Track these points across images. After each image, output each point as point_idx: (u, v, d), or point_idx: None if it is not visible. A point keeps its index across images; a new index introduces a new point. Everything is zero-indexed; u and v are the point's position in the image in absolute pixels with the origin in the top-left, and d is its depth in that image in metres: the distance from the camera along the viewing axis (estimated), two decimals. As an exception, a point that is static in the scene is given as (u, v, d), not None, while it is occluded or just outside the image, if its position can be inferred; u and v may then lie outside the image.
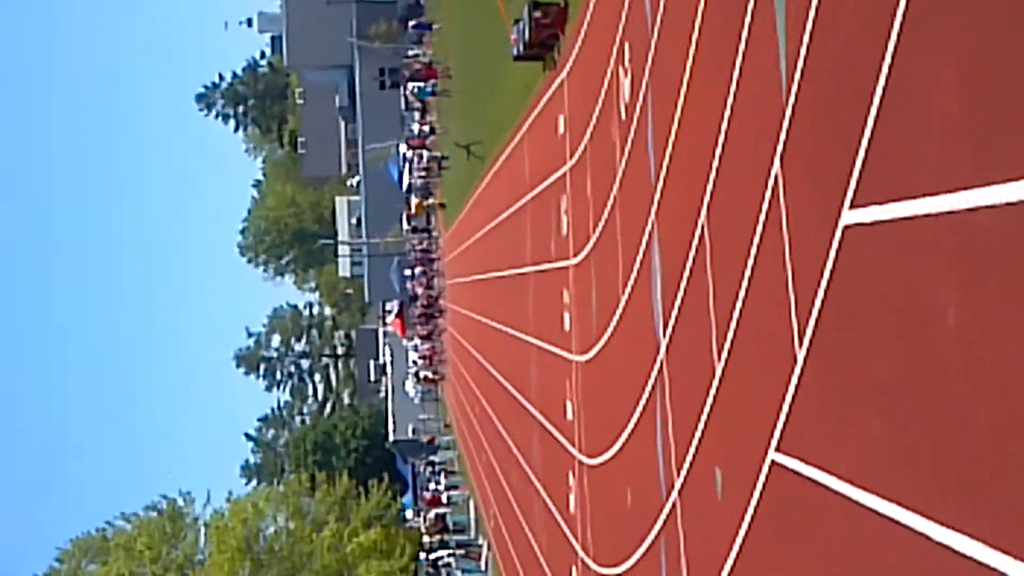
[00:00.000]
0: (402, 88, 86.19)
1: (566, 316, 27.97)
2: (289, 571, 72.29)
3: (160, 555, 76.48)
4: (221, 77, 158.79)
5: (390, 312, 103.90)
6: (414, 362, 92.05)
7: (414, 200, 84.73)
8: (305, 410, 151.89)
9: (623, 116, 21.27)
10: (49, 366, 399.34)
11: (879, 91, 9.10)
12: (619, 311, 21.44)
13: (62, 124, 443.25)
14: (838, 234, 10.01)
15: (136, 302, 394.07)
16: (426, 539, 68.69)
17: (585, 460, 25.17)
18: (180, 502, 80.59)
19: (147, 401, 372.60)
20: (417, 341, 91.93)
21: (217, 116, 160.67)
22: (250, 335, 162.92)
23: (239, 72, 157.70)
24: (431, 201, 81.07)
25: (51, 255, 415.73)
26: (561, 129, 29.09)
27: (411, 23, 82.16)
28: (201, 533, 78.92)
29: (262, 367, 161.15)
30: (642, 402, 19.17)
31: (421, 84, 77.45)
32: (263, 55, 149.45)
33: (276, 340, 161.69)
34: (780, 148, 11.77)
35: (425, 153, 78.97)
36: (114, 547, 79.23)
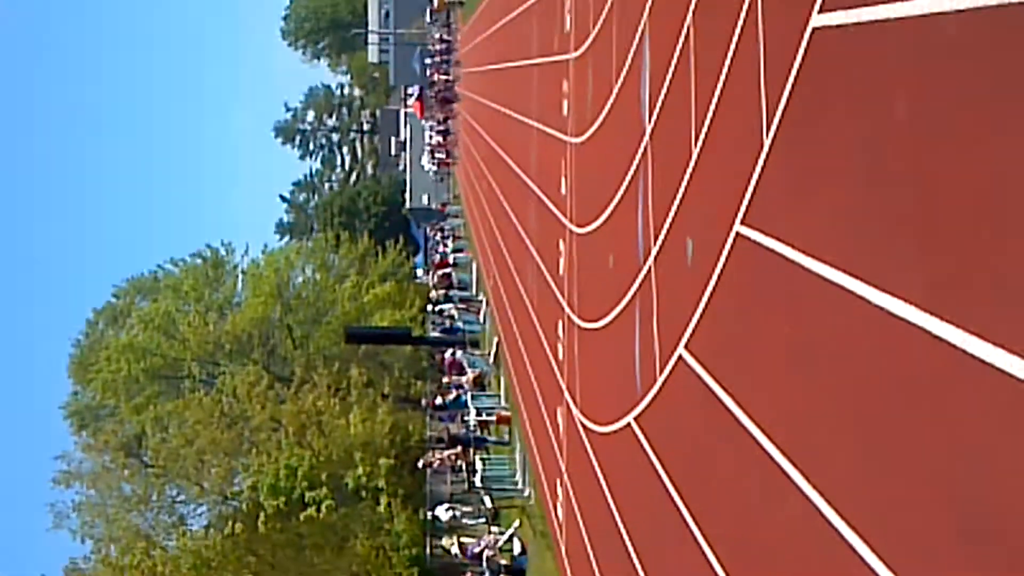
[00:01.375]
0: None
1: (564, 103, 27.81)
2: (314, 315, 72.80)
3: (203, 296, 76.97)
4: None
5: (411, 95, 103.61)
6: (430, 140, 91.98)
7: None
8: (333, 178, 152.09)
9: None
10: (122, 123, 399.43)
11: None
12: (611, 99, 21.33)
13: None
14: (807, 35, 9.91)
15: (192, 78, 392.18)
16: (433, 294, 69.03)
17: (575, 229, 25.19)
18: (222, 251, 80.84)
19: (199, 163, 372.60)
20: (434, 122, 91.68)
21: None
22: (288, 110, 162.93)
23: None
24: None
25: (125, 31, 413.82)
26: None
27: None
28: (239, 279, 79.27)
29: (297, 138, 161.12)
30: (627, 179, 19.13)
31: None
32: None
33: (311, 115, 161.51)
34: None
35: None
36: (163, 287, 79.76)
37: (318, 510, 47.39)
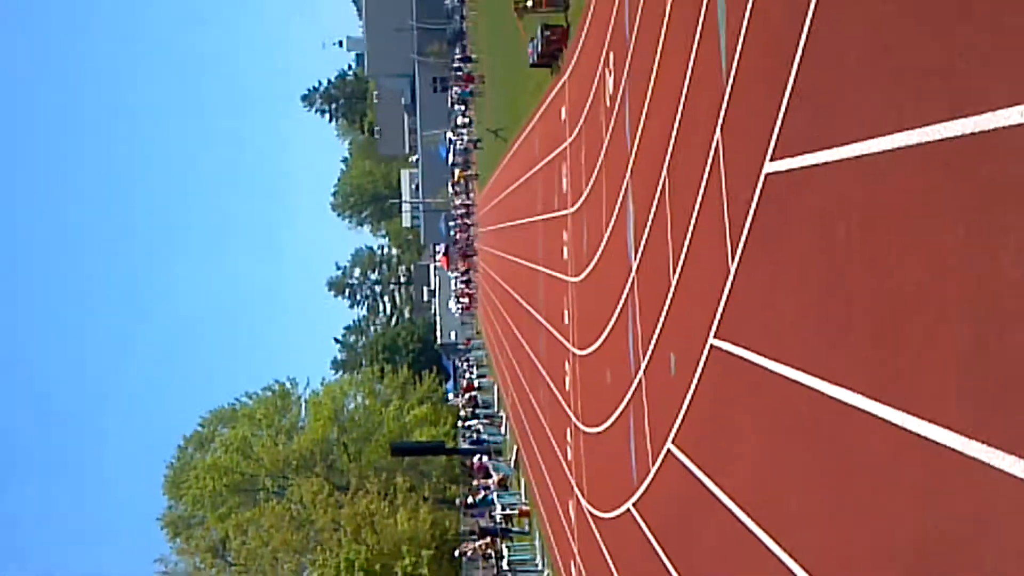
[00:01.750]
0: (449, 91, 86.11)
1: (564, 250, 27.99)
2: (365, 434, 72.68)
3: (273, 422, 76.91)
4: (319, 83, 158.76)
5: (438, 251, 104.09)
6: (455, 287, 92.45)
7: (456, 171, 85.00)
8: (377, 322, 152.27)
9: (607, 104, 21.23)
10: (214, 283, 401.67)
11: (789, 86, 9.10)
12: (603, 244, 21.47)
13: (203, 119, 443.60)
14: (761, 180, 10.02)
15: (262, 245, 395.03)
16: (462, 412, 69.31)
17: (577, 352, 25.25)
18: (288, 385, 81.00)
19: (269, 311, 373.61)
20: (457, 272, 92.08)
21: (316, 111, 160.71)
22: (338, 268, 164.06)
23: (332, 79, 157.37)
24: (469, 172, 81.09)
25: (200, 211, 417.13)
26: (563, 116, 29.06)
27: (456, 58, 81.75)
28: (303, 407, 79.22)
29: (347, 291, 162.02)
30: (618, 308, 19.23)
31: (461, 88, 77.45)
32: (350, 67, 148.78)
33: (357, 271, 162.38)
34: (720, 121, 11.76)
35: (464, 137, 79.00)
36: (240, 416, 79.61)
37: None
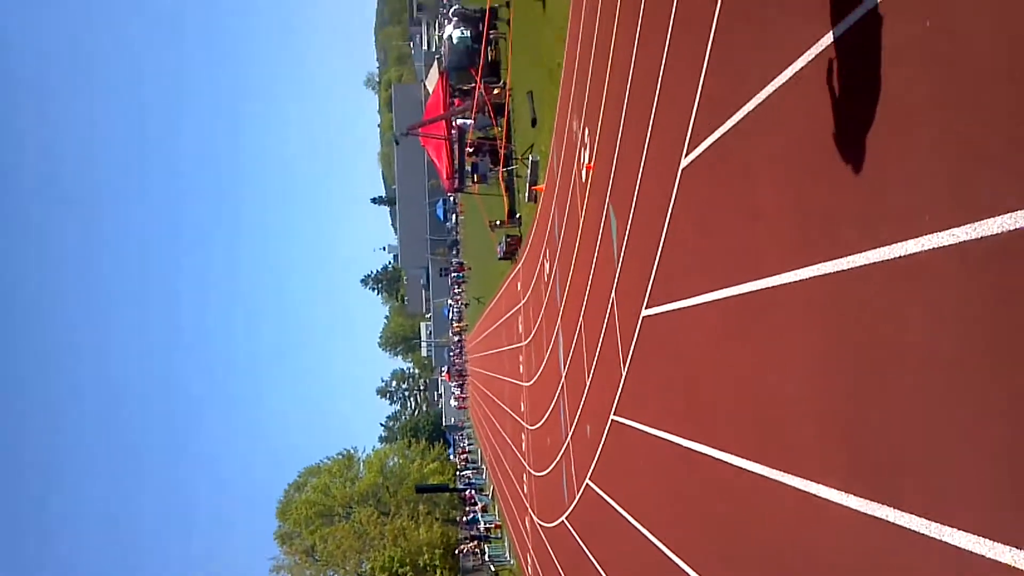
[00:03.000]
0: (449, 276, 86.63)
1: (520, 367, 27.89)
2: (399, 480, 71.22)
3: (343, 474, 75.44)
4: (371, 271, 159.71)
5: (443, 371, 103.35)
6: (454, 391, 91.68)
7: (454, 323, 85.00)
8: (406, 413, 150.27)
9: (545, 280, 21.37)
10: (307, 391, 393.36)
11: (656, 261, 9.21)
12: (544, 362, 21.41)
13: (298, 303, 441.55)
14: (640, 320, 10.08)
15: (337, 373, 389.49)
16: (459, 466, 68.42)
17: (529, 427, 24.97)
18: (352, 451, 79.72)
19: (342, 408, 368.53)
20: (455, 383, 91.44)
21: (369, 288, 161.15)
22: (383, 381, 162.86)
23: (379, 270, 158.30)
24: (461, 323, 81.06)
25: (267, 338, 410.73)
26: (519, 287, 29.20)
27: (453, 266, 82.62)
28: (361, 465, 77.67)
29: (388, 395, 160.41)
30: (554, 399, 19.08)
31: (457, 273, 77.89)
32: (391, 261, 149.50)
33: (394, 383, 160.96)
34: (614, 285, 11.86)
35: (459, 302, 79.23)
36: (323, 471, 77.93)
37: (406, 578, 45.69)
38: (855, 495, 4.72)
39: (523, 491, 26.71)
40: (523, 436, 26.75)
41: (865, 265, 4.59)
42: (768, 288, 5.92)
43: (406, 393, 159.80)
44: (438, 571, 44.27)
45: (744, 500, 6.50)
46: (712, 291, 7.11)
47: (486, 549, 41.00)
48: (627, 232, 10.78)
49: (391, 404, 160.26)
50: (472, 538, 43.83)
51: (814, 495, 5.18)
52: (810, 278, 5.26)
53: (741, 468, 6.43)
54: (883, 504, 4.43)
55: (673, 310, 8.65)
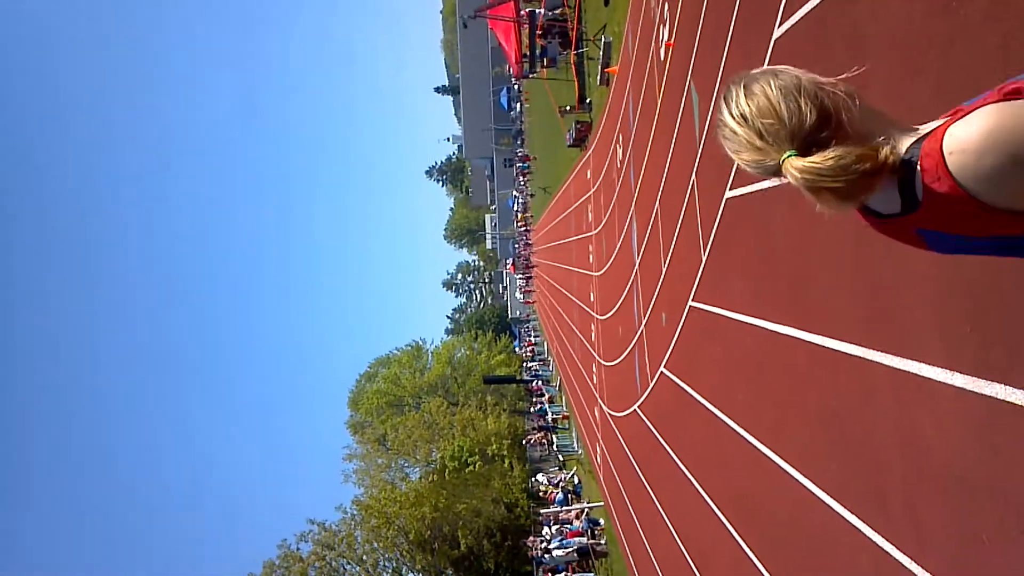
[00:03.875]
0: (514, 166, 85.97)
1: (591, 257, 27.81)
2: (466, 372, 72.86)
3: (412, 365, 77.35)
4: (436, 163, 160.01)
5: (508, 263, 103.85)
6: (520, 284, 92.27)
7: (520, 215, 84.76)
8: (472, 305, 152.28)
9: (618, 166, 21.03)
10: (381, 287, 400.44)
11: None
12: (616, 251, 21.26)
13: (366, 192, 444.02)
14: (723, 202, 9.83)
15: (403, 264, 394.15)
16: (524, 357, 69.31)
17: (599, 317, 25.03)
18: (420, 343, 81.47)
19: (411, 300, 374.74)
20: (520, 275, 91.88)
21: (434, 180, 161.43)
22: (448, 274, 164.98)
23: (443, 161, 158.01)
24: (527, 215, 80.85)
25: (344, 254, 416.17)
26: (589, 176, 28.85)
27: (518, 157, 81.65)
28: (429, 356, 79.41)
29: (454, 287, 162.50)
30: (626, 288, 19.01)
31: (522, 163, 77.20)
32: (455, 152, 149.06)
33: (460, 276, 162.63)
34: (695, 171, 11.56)
35: (524, 192, 78.87)
36: (393, 361, 79.97)
37: (474, 467, 47.00)
38: (964, 374, 4.54)
39: (592, 381, 26.99)
40: (592, 327, 26.86)
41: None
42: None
43: (471, 286, 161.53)
44: (506, 460, 45.44)
45: (836, 383, 6.37)
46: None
47: (553, 439, 41.87)
48: (711, 111, 10.40)
49: (456, 297, 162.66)
50: (539, 428, 44.74)
51: (923, 376, 5.01)
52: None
53: (835, 350, 6.26)
54: (993, 382, 4.25)
55: (760, 190, 8.37)
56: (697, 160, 11.36)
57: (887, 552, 5.26)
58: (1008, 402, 4.13)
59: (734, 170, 9.28)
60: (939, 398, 4.82)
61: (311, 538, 43.68)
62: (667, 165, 13.79)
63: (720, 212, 9.92)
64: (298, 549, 43.32)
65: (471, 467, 47.44)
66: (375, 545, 43.32)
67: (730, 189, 9.43)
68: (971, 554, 4.51)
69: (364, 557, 43.89)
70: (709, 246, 10.60)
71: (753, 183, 8.55)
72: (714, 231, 10.28)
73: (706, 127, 10.78)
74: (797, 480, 7.26)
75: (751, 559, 8.82)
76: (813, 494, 6.83)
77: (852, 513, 6.06)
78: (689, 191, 11.78)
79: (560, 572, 24.86)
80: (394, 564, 44.81)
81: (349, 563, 44.16)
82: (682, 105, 12.40)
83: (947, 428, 4.80)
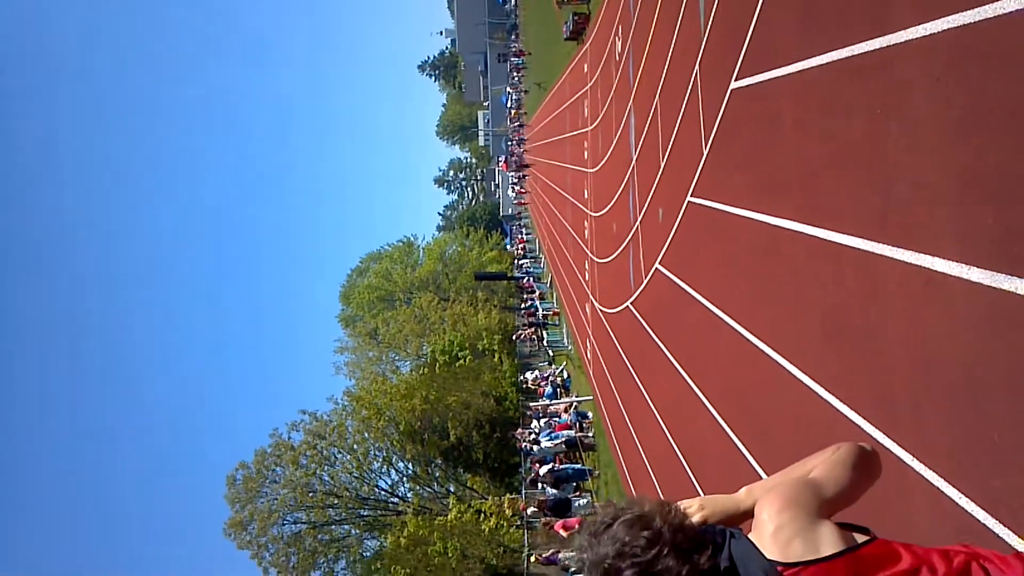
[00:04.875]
0: (508, 61, 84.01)
1: (586, 154, 27.30)
2: (458, 268, 72.82)
3: (403, 260, 77.30)
4: (428, 57, 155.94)
5: (500, 160, 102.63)
6: (512, 181, 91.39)
7: (512, 111, 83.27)
8: (464, 202, 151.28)
9: (616, 59, 20.38)
10: (367, 184, 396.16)
11: (749, 31, 8.47)
12: (612, 146, 20.81)
13: (350, 85, 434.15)
14: (728, 94, 9.45)
15: (394, 160, 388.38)
16: (516, 254, 69.27)
17: (593, 214, 24.75)
18: (412, 238, 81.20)
19: (399, 195, 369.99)
20: (513, 173, 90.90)
21: (426, 75, 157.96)
22: (440, 170, 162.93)
23: (435, 55, 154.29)
24: (520, 110, 79.41)
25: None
26: (585, 69, 28.06)
27: (512, 52, 79.40)
28: (421, 252, 79.24)
29: (446, 184, 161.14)
30: (622, 184, 18.66)
31: (516, 58, 75.41)
32: (448, 47, 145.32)
33: (451, 172, 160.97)
34: (698, 62, 11.12)
35: (518, 88, 77.31)
36: (384, 257, 79.84)
37: (465, 361, 47.42)
38: (982, 268, 4.34)
39: (584, 278, 26.92)
40: (586, 224, 26.61)
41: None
42: (891, 46, 5.28)
43: (463, 183, 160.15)
44: (496, 355, 45.79)
45: (841, 278, 6.18)
46: (820, 54, 6.45)
47: (544, 335, 42.09)
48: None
49: (448, 193, 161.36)
50: (530, 324, 44.94)
51: (934, 270, 4.81)
52: (950, 29, 4.63)
53: (841, 244, 6.05)
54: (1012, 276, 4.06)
55: (768, 80, 8.00)
56: (701, 51, 10.90)
57: (892, 451, 5.17)
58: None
59: (740, 58, 8.88)
60: (952, 293, 4.64)
61: (303, 427, 44.41)
62: (669, 56, 13.30)
63: (724, 103, 9.55)
64: (289, 438, 44.09)
65: (461, 361, 47.81)
66: (366, 435, 44.09)
67: (735, 80, 9.04)
68: (980, 453, 4.40)
69: (355, 447, 44.73)
70: (711, 139, 10.26)
71: (764, 71, 8.18)
72: (717, 123, 9.93)
73: (712, 15, 10.30)
74: (795, 376, 7.16)
75: (744, 454, 8.82)
76: (812, 390, 6.73)
77: (852, 409, 5.96)
78: (691, 84, 11.35)
79: (548, 463, 25.23)
80: (384, 454, 45.70)
81: (340, 452, 45.02)
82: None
83: (959, 325, 4.63)
